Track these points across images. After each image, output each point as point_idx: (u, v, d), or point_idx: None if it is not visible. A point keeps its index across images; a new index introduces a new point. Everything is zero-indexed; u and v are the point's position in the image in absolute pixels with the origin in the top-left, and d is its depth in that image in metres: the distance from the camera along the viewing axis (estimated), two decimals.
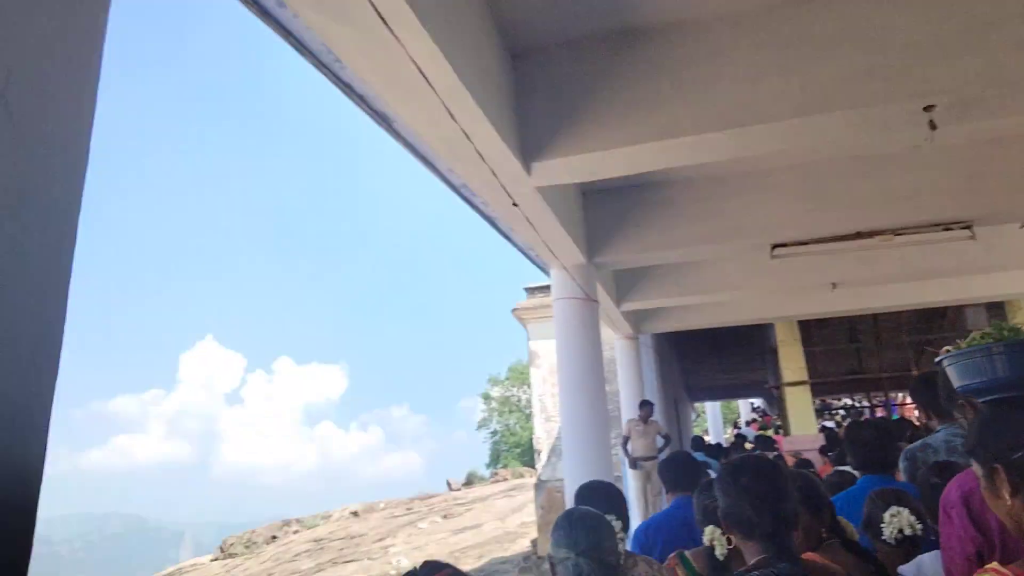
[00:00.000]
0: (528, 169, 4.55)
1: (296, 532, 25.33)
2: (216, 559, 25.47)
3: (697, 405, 24.29)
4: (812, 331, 13.91)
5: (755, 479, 2.01)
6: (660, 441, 10.15)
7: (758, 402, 25.76)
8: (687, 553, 2.92)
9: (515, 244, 7.30)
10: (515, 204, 4.77)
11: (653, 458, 10.07)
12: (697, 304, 10.04)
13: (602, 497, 3.09)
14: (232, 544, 26.06)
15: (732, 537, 2.05)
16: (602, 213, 6.94)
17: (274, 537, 25.43)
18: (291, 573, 17.84)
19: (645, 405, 10.08)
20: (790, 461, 6.98)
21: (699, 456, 11.45)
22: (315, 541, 21.80)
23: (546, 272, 7.52)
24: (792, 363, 13.47)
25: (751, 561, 1.97)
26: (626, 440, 10.12)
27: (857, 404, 18.01)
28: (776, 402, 18.37)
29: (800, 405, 13.42)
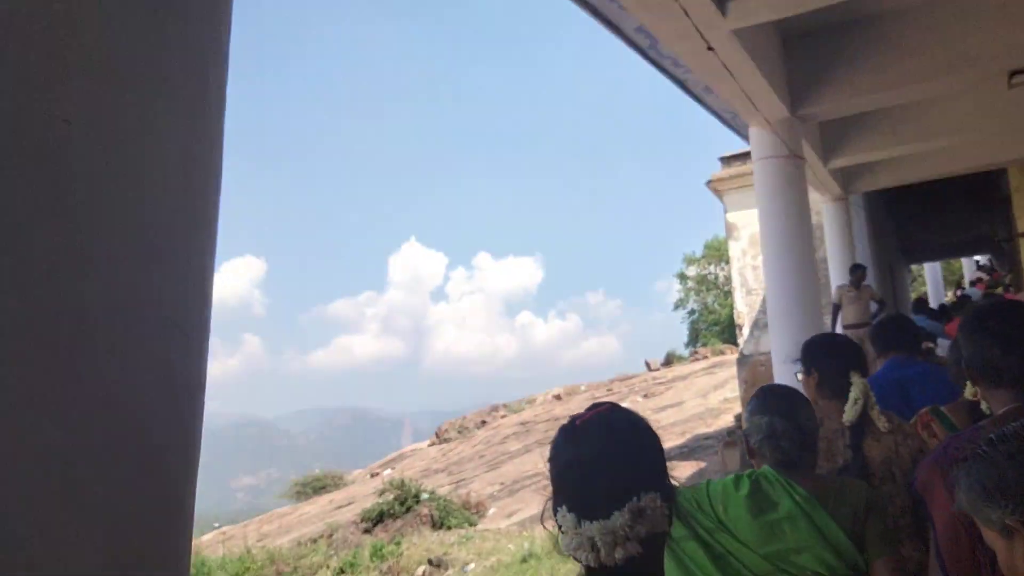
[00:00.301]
0: (723, 9, 4.06)
1: (503, 417, 26.53)
2: (433, 444, 27.29)
3: (914, 268, 22.38)
4: None
5: (1004, 322, 1.84)
6: (874, 307, 9.47)
7: (983, 259, 23.41)
8: (943, 408, 2.74)
9: (708, 107, 6.76)
10: (710, 48, 4.31)
11: (866, 324, 9.44)
12: (916, 154, 8.94)
13: (845, 351, 2.86)
14: (446, 430, 27.79)
15: (978, 388, 1.91)
16: (805, 59, 6.22)
17: (484, 422, 26.78)
18: (500, 454, 18.71)
19: (856, 269, 9.38)
20: None
21: (919, 320, 10.58)
22: (521, 424, 22.70)
23: (742, 135, 6.95)
24: None
25: (999, 412, 1.83)
26: (836, 308, 9.52)
27: None
28: (1006, 257, 16.59)
29: None
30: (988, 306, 1.97)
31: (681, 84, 6.10)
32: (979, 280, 20.09)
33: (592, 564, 1.24)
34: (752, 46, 4.85)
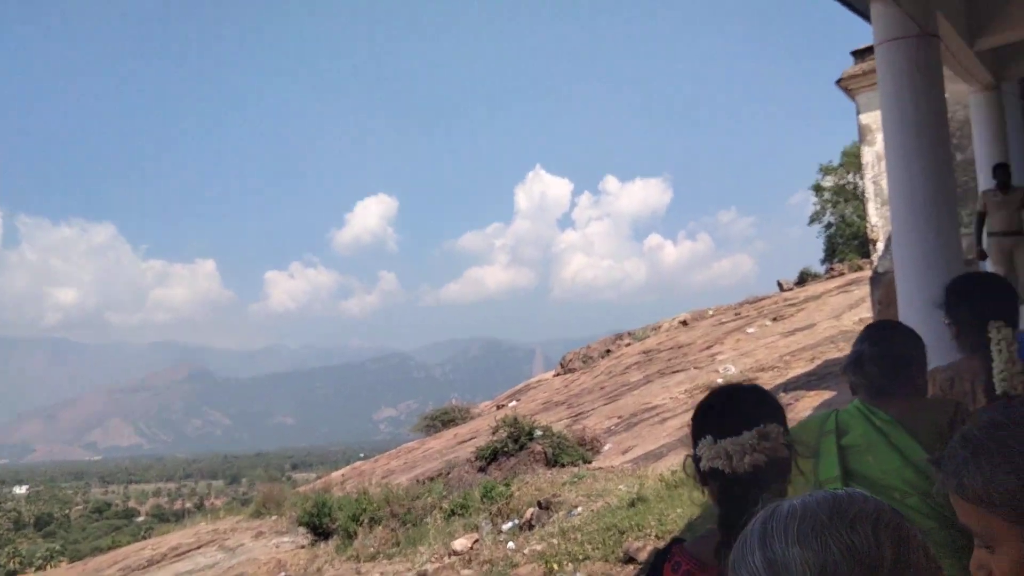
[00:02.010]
0: None
1: (628, 345, 26.01)
2: (558, 374, 27.18)
3: None
4: None
5: None
6: None
7: None
8: None
9: None
10: None
11: (1017, 233, 8.20)
12: None
13: (983, 294, 2.32)
14: (571, 360, 27.61)
15: None
16: None
17: (608, 351, 26.37)
18: (620, 385, 18.20)
19: (999, 169, 8.14)
20: None
21: None
22: (644, 353, 22.09)
23: (868, 18, 5.84)
24: None
25: None
26: (980, 217, 8.33)
27: None
28: None
29: None
30: None
31: None
32: None
33: (726, 471, 1.56)
34: None
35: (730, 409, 1.65)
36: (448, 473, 13.71)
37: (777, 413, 1.65)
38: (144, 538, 22.57)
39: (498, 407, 24.54)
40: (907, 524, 0.93)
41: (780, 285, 27.94)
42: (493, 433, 13.37)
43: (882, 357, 2.12)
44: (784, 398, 10.28)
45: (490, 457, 12.87)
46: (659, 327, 27.36)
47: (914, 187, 4.95)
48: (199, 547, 15.34)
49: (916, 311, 4.60)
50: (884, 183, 10.86)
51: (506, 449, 12.71)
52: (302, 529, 12.83)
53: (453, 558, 8.45)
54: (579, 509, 8.68)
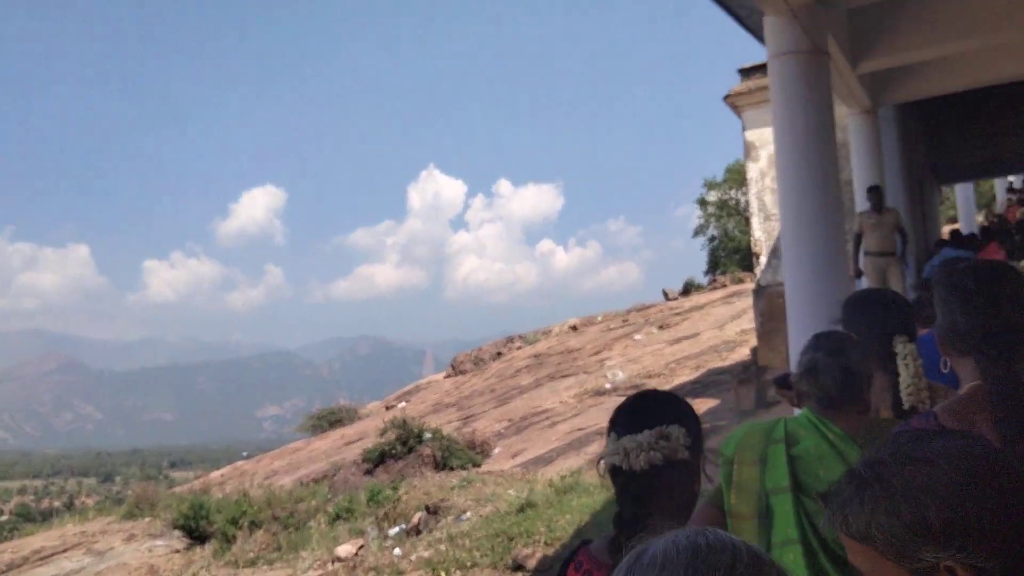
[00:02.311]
0: None
1: (519, 348, 26.08)
2: (449, 376, 26.98)
3: (944, 189, 20.85)
4: None
5: (974, 280, 1.68)
6: (896, 237, 8.74)
7: (1018, 180, 21.78)
8: None
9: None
10: None
11: (890, 253, 8.67)
12: (958, 55, 7.79)
13: (884, 309, 2.34)
14: (462, 362, 27.44)
15: (947, 358, 1.80)
16: None
17: (499, 354, 26.36)
18: (511, 388, 18.23)
19: (873, 192, 8.58)
20: None
21: (948, 252, 9.81)
22: (535, 356, 22.19)
23: (759, 37, 6.00)
24: None
25: (961, 390, 1.76)
26: (858, 238, 8.75)
27: None
28: None
29: None
30: (964, 264, 1.76)
31: None
32: (1012, 204, 18.82)
33: (623, 467, 1.59)
34: None
35: (638, 409, 1.69)
36: (334, 475, 13.37)
37: (686, 418, 1.67)
38: (6, 540, 21.09)
39: (387, 408, 24.15)
40: (766, 568, 0.96)
41: (665, 294, 28.61)
42: (381, 435, 13.12)
43: (837, 368, 2.05)
44: None
45: (377, 459, 12.62)
46: (550, 331, 27.59)
47: (803, 199, 5.11)
48: (65, 550, 14.41)
49: (804, 322, 4.74)
50: (767, 199, 11.28)
51: (394, 451, 12.49)
52: (177, 532, 12.23)
53: (337, 565, 8.20)
54: (468, 514, 8.59)
